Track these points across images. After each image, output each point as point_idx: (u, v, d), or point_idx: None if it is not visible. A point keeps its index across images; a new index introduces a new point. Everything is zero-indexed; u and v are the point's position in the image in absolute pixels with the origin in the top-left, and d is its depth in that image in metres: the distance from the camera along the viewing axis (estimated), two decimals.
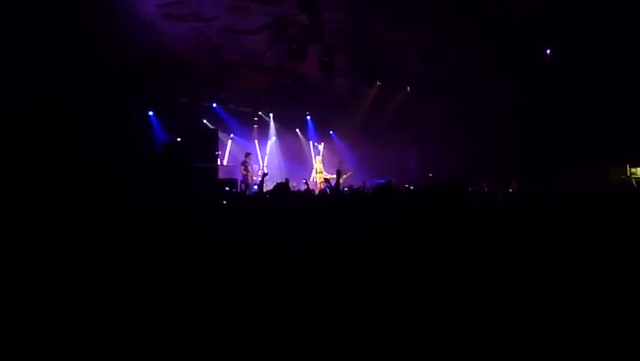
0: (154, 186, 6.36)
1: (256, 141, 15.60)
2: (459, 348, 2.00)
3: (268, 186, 9.93)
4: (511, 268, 2.67)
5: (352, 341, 2.12)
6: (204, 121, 13.74)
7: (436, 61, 11.09)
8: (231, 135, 14.85)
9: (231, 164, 14.21)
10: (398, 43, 10.34)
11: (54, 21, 8.19)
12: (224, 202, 6.46)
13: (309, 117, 16.29)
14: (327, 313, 2.38)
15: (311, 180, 14.16)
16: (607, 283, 2.38)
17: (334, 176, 12.96)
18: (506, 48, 10.32)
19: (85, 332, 2.19)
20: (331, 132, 16.87)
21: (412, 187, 10.05)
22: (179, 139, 11.10)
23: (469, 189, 9.29)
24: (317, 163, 14.37)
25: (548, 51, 9.81)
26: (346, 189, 9.86)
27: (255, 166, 13.83)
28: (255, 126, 15.60)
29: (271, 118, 15.77)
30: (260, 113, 15.30)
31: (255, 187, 11.83)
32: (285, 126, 16.12)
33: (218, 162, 13.08)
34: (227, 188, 9.72)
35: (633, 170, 10.20)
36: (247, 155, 12.91)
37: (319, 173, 14.01)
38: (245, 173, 12.47)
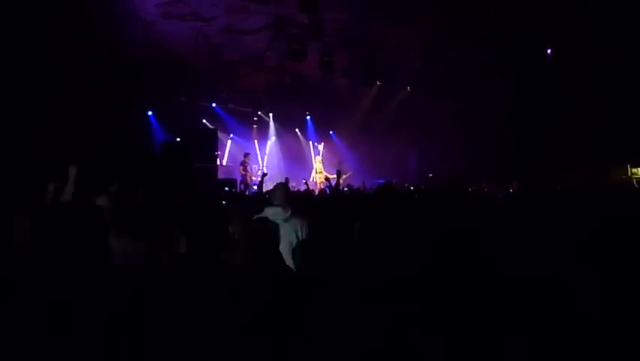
0: (153, 186, 6.34)
1: (256, 141, 15.58)
2: (459, 347, 1.99)
3: (268, 187, 9.92)
4: (511, 268, 2.66)
5: (352, 341, 2.11)
6: (204, 121, 13.71)
7: (436, 61, 11.08)
8: (231, 135, 14.83)
9: (231, 164, 14.19)
10: (398, 43, 10.33)
11: (54, 21, 8.17)
12: (224, 202, 6.44)
13: (308, 117, 16.28)
14: (327, 313, 2.36)
15: (311, 180, 14.16)
16: (607, 284, 2.38)
17: (334, 176, 12.92)
18: (506, 48, 10.31)
19: (84, 332, 2.18)
20: (331, 132, 16.86)
21: (412, 187, 10.04)
22: (178, 139, 11.09)
23: (469, 189, 9.29)
24: (317, 163, 14.36)
25: (549, 51, 9.80)
26: (346, 189, 9.86)
27: (254, 166, 13.81)
28: (255, 126, 15.58)
29: (271, 118, 15.75)
30: (259, 113, 15.28)
31: (255, 187, 11.81)
32: (285, 126, 16.09)
33: (218, 162, 13.06)
34: (226, 188, 9.71)
35: (634, 170, 10.20)
36: (246, 155, 12.89)
37: (319, 173, 14.01)
38: (244, 173, 12.45)
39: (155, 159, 10.49)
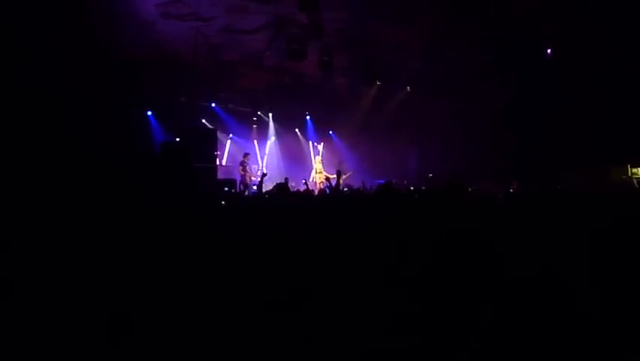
0: (152, 186, 6.32)
1: (255, 141, 15.56)
2: (459, 347, 1.98)
3: (267, 187, 9.90)
4: (511, 268, 2.65)
5: (352, 340, 2.10)
6: (203, 121, 13.69)
7: (436, 61, 11.06)
8: (230, 135, 14.80)
9: (230, 164, 14.16)
10: (398, 43, 10.31)
11: (53, 20, 8.15)
12: (223, 203, 6.42)
13: (308, 117, 16.25)
14: (327, 313, 2.35)
15: (310, 180, 14.13)
16: (608, 284, 2.36)
17: (335, 176, 12.89)
18: (506, 48, 10.29)
19: (85, 332, 2.17)
20: (331, 132, 16.84)
21: (412, 187, 10.03)
22: (177, 139, 11.07)
23: (469, 189, 9.26)
24: (316, 163, 14.34)
25: (549, 51, 9.78)
26: (346, 189, 9.84)
27: (253, 166, 13.79)
28: (254, 126, 15.55)
29: (270, 118, 15.72)
30: (259, 112, 15.25)
31: (255, 187, 11.79)
32: (285, 126, 16.07)
33: (217, 162, 13.04)
34: (226, 188, 9.69)
35: (634, 170, 10.16)
36: (245, 155, 12.86)
37: (319, 173, 13.98)
38: (243, 173, 12.41)
39: (154, 159, 10.46)
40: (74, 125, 8.95)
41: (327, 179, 12.75)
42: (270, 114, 15.61)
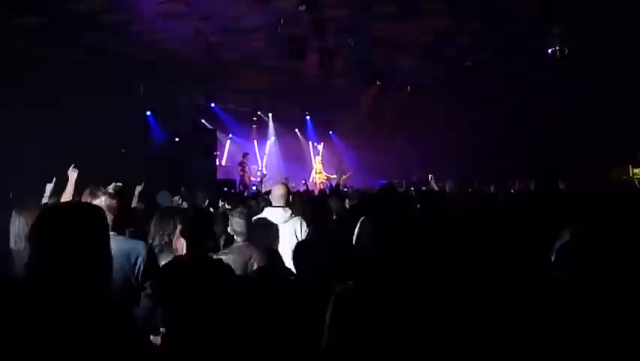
0: (151, 187, 6.30)
1: (255, 141, 15.53)
2: (459, 349, 1.96)
3: (267, 187, 9.87)
4: (511, 270, 2.63)
5: (352, 342, 2.07)
6: (202, 121, 13.65)
7: (438, 60, 11.03)
8: (230, 135, 14.77)
9: (230, 164, 14.14)
10: (399, 43, 10.27)
11: (53, 20, 8.12)
12: (222, 204, 6.38)
13: (308, 117, 16.22)
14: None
15: (310, 180, 14.12)
16: (608, 285, 2.34)
17: (335, 176, 12.93)
18: (507, 48, 10.27)
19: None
20: (331, 132, 16.81)
21: (412, 188, 9.99)
22: (177, 139, 11.05)
23: (469, 190, 9.24)
24: (316, 163, 14.32)
25: (550, 51, 9.74)
26: (346, 189, 9.81)
27: (253, 166, 13.76)
28: (254, 126, 15.51)
29: (270, 118, 15.69)
30: (259, 112, 15.21)
31: (254, 188, 11.75)
32: (285, 126, 16.04)
33: (217, 163, 13.01)
34: (225, 189, 9.66)
35: (636, 170, 10.17)
36: (244, 155, 12.83)
37: (319, 173, 13.97)
38: (242, 174, 12.37)
39: (153, 159, 10.44)
40: (73, 125, 8.92)
41: (328, 179, 12.75)
42: (270, 114, 15.58)
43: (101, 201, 2.92)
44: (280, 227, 3.70)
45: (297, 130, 16.55)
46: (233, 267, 2.67)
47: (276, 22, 8.62)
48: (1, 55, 8.07)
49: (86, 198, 3.10)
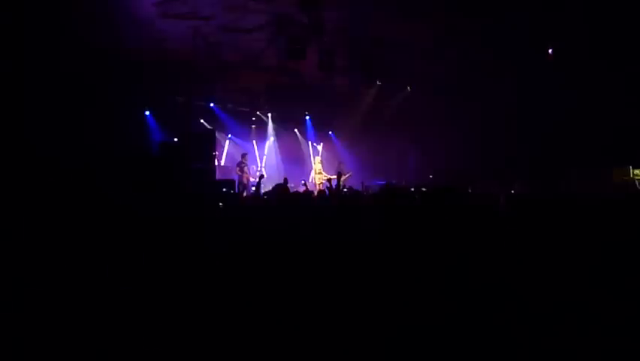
0: (150, 187, 6.25)
1: (254, 142, 15.47)
2: (459, 351, 1.94)
3: (267, 187, 9.82)
4: (512, 272, 2.62)
5: (352, 347, 2.06)
6: (201, 121, 13.61)
7: (437, 59, 11.00)
8: (229, 135, 14.72)
9: (229, 164, 14.09)
10: (398, 42, 10.24)
11: (52, 19, 8.08)
12: (221, 204, 6.34)
13: (308, 117, 16.17)
14: (327, 315, 2.31)
15: (310, 180, 14.07)
16: (609, 286, 2.34)
17: (335, 177, 12.86)
18: (507, 48, 10.24)
19: (79, 337, 2.13)
20: (330, 133, 16.76)
21: (412, 188, 9.94)
22: (175, 139, 10.99)
23: (469, 190, 9.19)
24: (316, 164, 14.27)
25: (550, 51, 9.73)
26: (345, 190, 9.76)
27: (252, 166, 13.70)
28: (253, 126, 15.47)
29: (269, 118, 15.64)
30: (258, 112, 15.17)
31: (253, 189, 11.70)
32: (284, 126, 16.00)
33: (216, 163, 12.95)
34: (224, 189, 9.61)
35: (636, 171, 10.13)
36: (243, 155, 12.76)
37: (318, 174, 13.91)
38: (240, 174, 12.31)
39: (152, 159, 10.38)
40: (72, 124, 8.88)
41: (329, 180, 12.69)
42: (269, 114, 15.53)
43: None
44: None
45: (296, 130, 16.50)
46: None
47: (276, 22, 8.57)
48: None
49: None
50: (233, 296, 2.55)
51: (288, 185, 10.27)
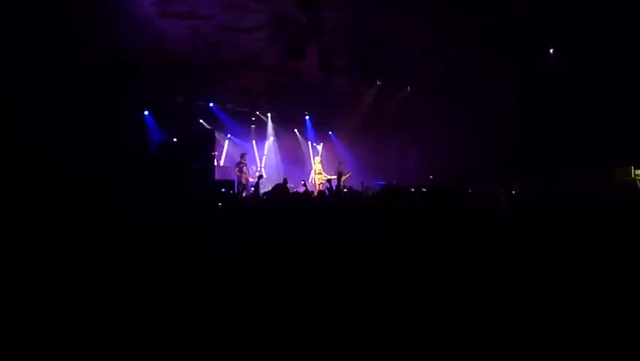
0: (149, 187, 6.23)
1: (254, 142, 15.45)
2: (459, 351, 1.94)
3: (266, 187, 9.80)
4: (512, 272, 2.62)
5: (352, 347, 2.05)
6: (201, 121, 13.59)
7: (437, 59, 10.99)
8: (228, 135, 14.71)
9: (228, 165, 14.07)
10: (398, 42, 10.23)
11: (52, 19, 8.06)
12: (220, 205, 6.32)
13: (307, 117, 16.15)
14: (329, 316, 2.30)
15: (310, 181, 14.05)
16: (610, 286, 2.33)
17: (335, 177, 12.86)
18: (508, 47, 10.23)
19: (79, 337, 2.13)
20: (330, 133, 16.75)
21: (412, 188, 9.93)
22: (175, 139, 10.98)
23: (470, 190, 9.18)
24: (316, 164, 14.25)
25: (551, 50, 9.72)
26: (345, 190, 9.74)
27: (252, 167, 13.67)
28: (253, 126, 15.45)
29: (269, 118, 15.62)
30: (257, 112, 15.15)
31: (252, 189, 11.68)
32: (284, 126, 15.98)
33: (215, 163, 12.93)
34: (223, 189, 9.58)
35: (638, 171, 10.12)
36: (242, 155, 12.74)
37: (318, 174, 13.89)
38: (239, 174, 12.28)
39: (151, 158, 10.36)
40: (72, 124, 8.86)
41: (329, 180, 12.67)
42: (269, 114, 15.51)
43: None
44: None
45: (296, 130, 16.48)
46: None
47: (276, 21, 8.56)
48: None
49: None
50: (233, 296, 2.55)
51: (288, 185, 10.26)
